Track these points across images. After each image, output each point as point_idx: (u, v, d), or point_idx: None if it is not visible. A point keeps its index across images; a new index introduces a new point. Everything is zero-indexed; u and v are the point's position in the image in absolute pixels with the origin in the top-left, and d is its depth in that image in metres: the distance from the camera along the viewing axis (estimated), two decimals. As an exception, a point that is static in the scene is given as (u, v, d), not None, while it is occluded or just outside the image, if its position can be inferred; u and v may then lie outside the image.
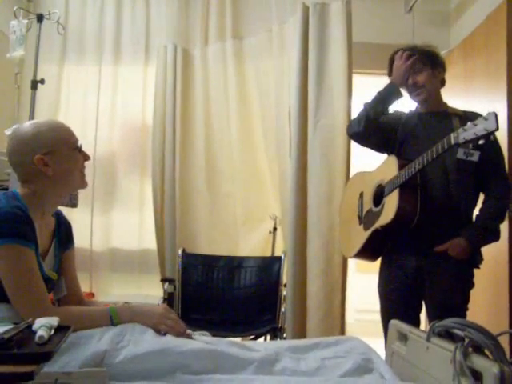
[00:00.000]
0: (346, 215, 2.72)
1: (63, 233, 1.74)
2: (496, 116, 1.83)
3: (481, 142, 1.87)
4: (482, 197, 2.32)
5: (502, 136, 2.34)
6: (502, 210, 2.28)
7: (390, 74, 2.45)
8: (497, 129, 1.82)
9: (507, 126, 2.84)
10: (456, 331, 1.30)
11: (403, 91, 2.40)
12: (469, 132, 1.88)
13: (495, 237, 2.27)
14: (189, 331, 1.58)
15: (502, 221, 2.33)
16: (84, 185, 1.70)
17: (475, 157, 2.13)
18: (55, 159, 1.56)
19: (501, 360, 1.14)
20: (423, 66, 2.34)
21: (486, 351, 1.20)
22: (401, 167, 2.22)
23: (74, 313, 1.51)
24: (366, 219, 2.46)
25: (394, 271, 2.38)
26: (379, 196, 2.37)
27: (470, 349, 1.21)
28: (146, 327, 1.46)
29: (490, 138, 1.86)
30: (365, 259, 2.53)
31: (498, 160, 2.28)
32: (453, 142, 1.95)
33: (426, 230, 2.23)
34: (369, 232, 2.38)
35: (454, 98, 2.42)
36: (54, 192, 1.60)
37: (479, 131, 1.85)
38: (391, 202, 2.22)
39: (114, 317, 1.48)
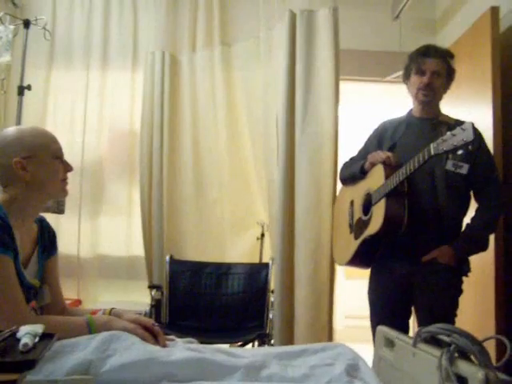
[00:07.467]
0: (338, 223, 2.73)
1: (46, 239, 1.71)
2: (473, 126, 1.86)
3: (459, 152, 1.89)
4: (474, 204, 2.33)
5: (487, 141, 2.35)
6: (492, 220, 2.29)
7: (404, 79, 2.47)
8: (474, 139, 1.85)
9: (492, 132, 2.86)
10: (442, 337, 1.31)
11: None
12: (448, 143, 1.90)
13: (482, 247, 2.28)
14: (174, 337, 1.57)
15: (492, 231, 2.34)
16: (64, 194, 1.67)
17: (464, 169, 2.15)
18: (34, 164, 1.53)
19: (486, 365, 1.14)
20: (445, 73, 2.35)
21: (472, 357, 1.21)
22: (387, 176, 2.23)
23: (52, 322, 1.46)
24: (356, 228, 2.47)
25: (383, 278, 2.39)
26: (368, 204, 2.38)
27: (456, 354, 1.21)
28: (132, 334, 1.44)
29: (468, 147, 1.87)
30: (357, 267, 2.54)
31: (491, 170, 2.28)
32: (433, 152, 1.97)
33: (415, 238, 2.24)
34: (359, 241, 2.39)
35: (441, 104, 2.44)
36: (33, 198, 1.56)
37: (458, 142, 1.86)
38: (378, 212, 2.24)
39: (91, 324, 1.46)
